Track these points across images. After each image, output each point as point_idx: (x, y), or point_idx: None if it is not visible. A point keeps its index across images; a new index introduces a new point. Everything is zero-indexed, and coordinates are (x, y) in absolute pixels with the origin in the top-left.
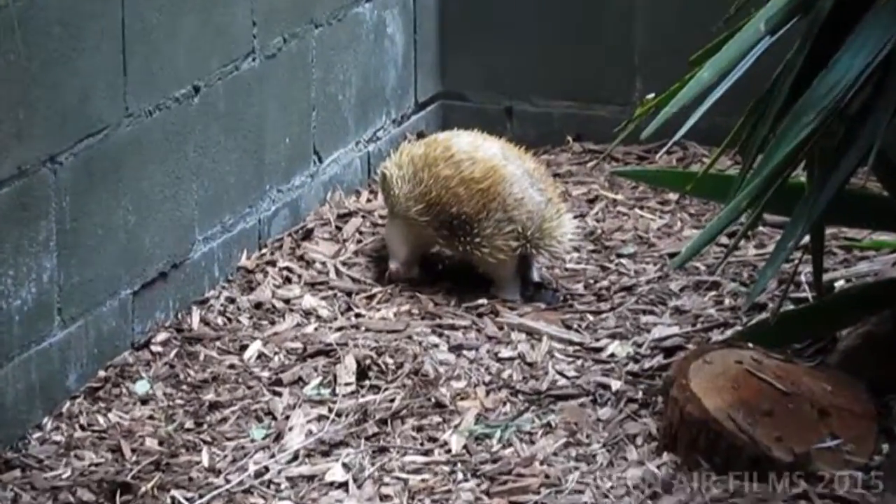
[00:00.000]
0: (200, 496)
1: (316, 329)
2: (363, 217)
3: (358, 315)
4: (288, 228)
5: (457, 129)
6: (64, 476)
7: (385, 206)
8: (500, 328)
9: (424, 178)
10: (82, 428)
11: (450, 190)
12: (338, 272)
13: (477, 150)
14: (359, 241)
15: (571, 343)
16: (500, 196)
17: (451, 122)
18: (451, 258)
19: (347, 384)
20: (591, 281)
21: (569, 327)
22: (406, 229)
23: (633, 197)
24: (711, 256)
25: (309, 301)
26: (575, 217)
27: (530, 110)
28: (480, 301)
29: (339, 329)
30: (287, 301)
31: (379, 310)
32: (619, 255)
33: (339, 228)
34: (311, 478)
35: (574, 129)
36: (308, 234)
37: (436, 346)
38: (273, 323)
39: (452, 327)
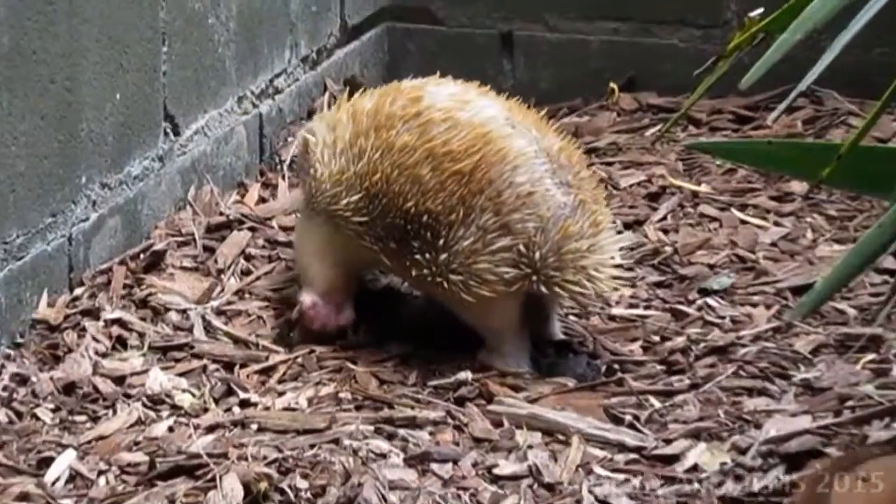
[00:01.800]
0: None
1: (171, 430)
2: (252, 230)
3: (246, 403)
4: (120, 251)
5: (437, 77)
6: None
7: (302, 197)
8: (497, 424)
9: (367, 149)
10: None
11: (406, 170)
12: (209, 328)
13: (463, 106)
14: (245, 274)
15: (622, 448)
16: (492, 186)
17: (405, 60)
18: (411, 296)
19: None
20: (656, 338)
21: (618, 420)
22: (331, 237)
23: (727, 189)
24: (867, 292)
25: (159, 380)
26: (624, 228)
27: (546, 39)
28: (460, 375)
29: (214, 428)
30: (120, 380)
31: (282, 393)
32: (705, 292)
33: (210, 250)
34: None
35: (623, 71)
36: (156, 261)
37: (383, 456)
38: (95, 419)
39: (412, 423)
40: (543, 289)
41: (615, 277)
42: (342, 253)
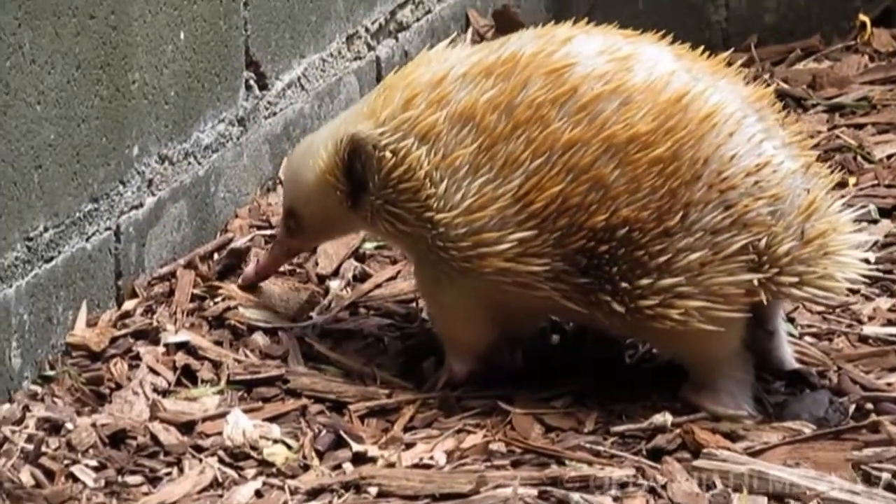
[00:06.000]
0: None
1: (259, 495)
2: None
3: (361, 458)
4: (187, 248)
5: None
6: None
7: (395, 237)
8: (707, 486)
9: (519, 157)
10: None
11: (583, 174)
12: (309, 355)
13: (628, 65)
14: (359, 279)
15: None
16: (709, 168)
17: None
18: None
19: None
20: None
21: (873, 480)
22: (485, 302)
23: None
24: None
25: (241, 426)
26: (880, 216)
27: None
28: (656, 419)
29: (318, 493)
30: (188, 427)
31: (411, 444)
32: None
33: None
34: None
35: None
36: (236, 263)
37: None
38: (154, 480)
39: (590, 485)
40: (795, 292)
41: (864, 261)
42: (501, 313)
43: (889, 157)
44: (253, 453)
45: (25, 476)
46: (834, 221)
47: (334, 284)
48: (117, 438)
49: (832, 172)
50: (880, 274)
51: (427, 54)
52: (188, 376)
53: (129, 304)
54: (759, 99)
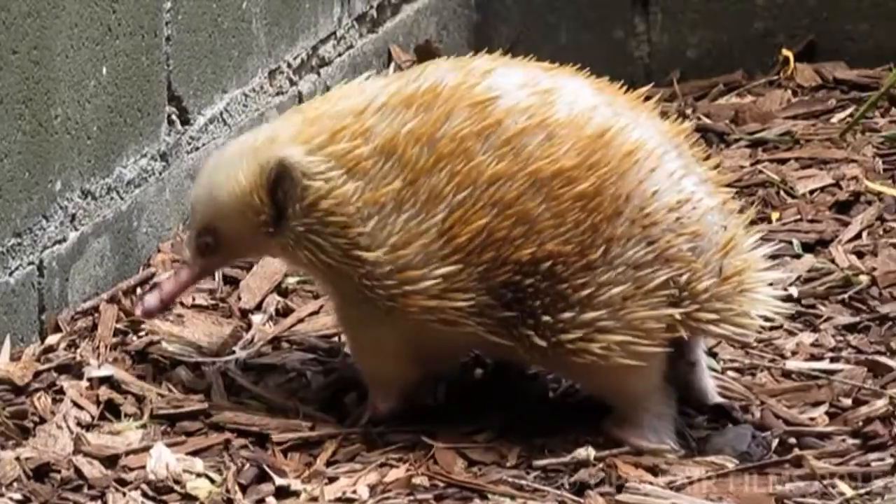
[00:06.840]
0: None
1: None
2: None
3: (284, 492)
4: (110, 283)
5: (491, 51)
6: None
7: (316, 268)
8: None
9: (442, 191)
10: None
11: (509, 209)
12: (232, 389)
13: (550, 100)
14: (281, 314)
15: None
16: (631, 203)
17: (499, 20)
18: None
19: None
20: (847, 401)
21: None
22: (408, 337)
23: None
24: None
25: (164, 460)
26: (803, 251)
27: None
28: (579, 453)
29: None
30: (111, 461)
31: (333, 479)
32: None
33: (231, 283)
34: None
35: (799, 34)
36: None
37: None
38: None
39: None
40: (713, 328)
41: (787, 297)
42: (424, 350)
43: (812, 191)
44: (176, 487)
45: None
46: (750, 259)
47: (257, 319)
48: (41, 472)
49: (754, 206)
50: (803, 309)
51: (343, 87)
52: (112, 410)
53: (52, 339)
54: (678, 134)
